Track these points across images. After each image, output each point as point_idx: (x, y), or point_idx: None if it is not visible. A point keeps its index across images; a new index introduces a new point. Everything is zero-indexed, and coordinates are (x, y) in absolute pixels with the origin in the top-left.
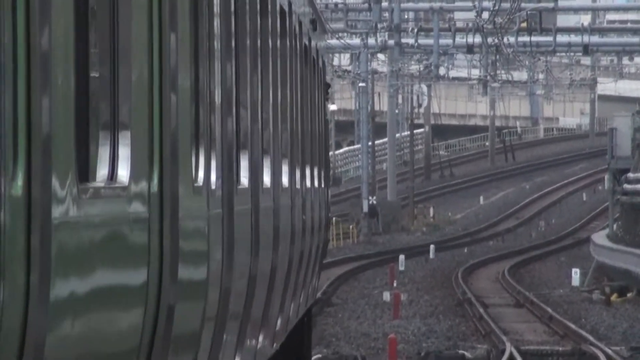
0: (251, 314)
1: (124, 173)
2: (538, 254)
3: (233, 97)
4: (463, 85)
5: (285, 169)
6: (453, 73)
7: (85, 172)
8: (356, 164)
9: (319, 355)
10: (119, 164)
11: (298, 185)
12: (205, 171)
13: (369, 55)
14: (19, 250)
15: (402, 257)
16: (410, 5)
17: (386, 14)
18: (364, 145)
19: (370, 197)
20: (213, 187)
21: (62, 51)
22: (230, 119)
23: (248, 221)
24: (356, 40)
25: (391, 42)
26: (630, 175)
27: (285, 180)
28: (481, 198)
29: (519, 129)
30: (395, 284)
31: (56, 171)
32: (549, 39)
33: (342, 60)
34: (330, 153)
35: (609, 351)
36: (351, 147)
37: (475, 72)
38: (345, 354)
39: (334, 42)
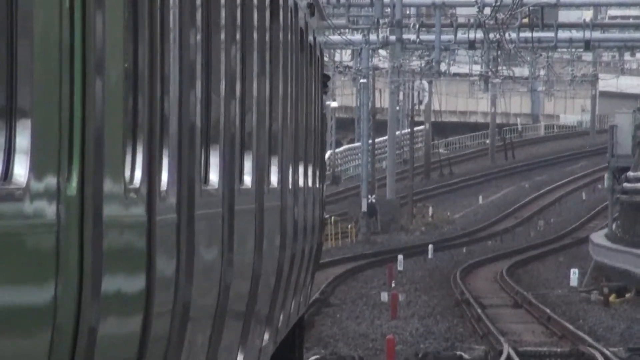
0: (227, 331)
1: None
2: (537, 254)
3: (198, 81)
4: (464, 81)
5: (273, 166)
6: (454, 69)
7: None
8: (356, 162)
9: (317, 356)
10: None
11: (290, 185)
12: (145, 170)
13: (371, 51)
14: None
15: (400, 257)
16: (412, 0)
17: (388, 10)
18: (364, 143)
19: (369, 196)
20: (164, 188)
21: None
22: (193, 107)
23: (218, 226)
24: (357, 36)
25: (392, 37)
26: (630, 174)
27: (273, 179)
28: (480, 197)
29: (519, 127)
30: (393, 284)
31: None
32: (551, 34)
33: (344, 56)
34: (330, 151)
35: (607, 352)
36: (351, 145)
37: (477, 68)
38: (343, 355)
39: (335, 37)
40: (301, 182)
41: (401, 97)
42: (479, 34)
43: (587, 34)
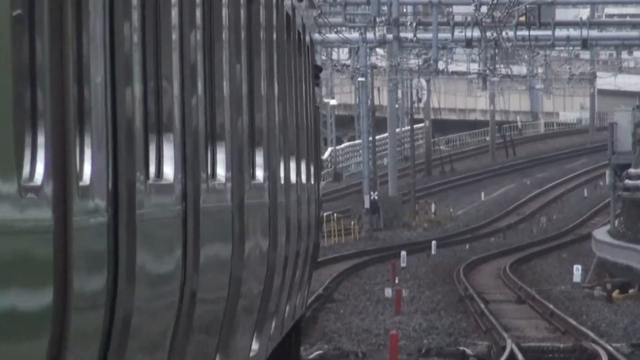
0: (202, 347)
1: None
2: (539, 250)
3: (152, 64)
4: (462, 79)
5: (259, 161)
6: (452, 67)
7: None
8: (357, 159)
9: (320, 352)
10: None
11: (279, 180)
12: (92, 163)
13: (368, 49)
14: None
15: (403, 253)
16: None
17: (385, 8)
18: (365, 140)
19: (371, 193)
20: (98, 183)
21: None
22: (152, 94)
23: (176, 228)
24: (355, 35)
25: (390, 36)
26: (632, 170)
27: (258, 173)
28: (482, 194)
29: (519, 124)
30: (396, 280)
31: None
32: (548, 33)
33: (341, 54)
34: (331, 148)
35: (610, 348)
36: (352, 142)
37: (475, 67)
38: (347, 350)
39: (332, 36)
40: (293, 178)
41: (400, 95)
42: (476, 33)
43: (585, 33)
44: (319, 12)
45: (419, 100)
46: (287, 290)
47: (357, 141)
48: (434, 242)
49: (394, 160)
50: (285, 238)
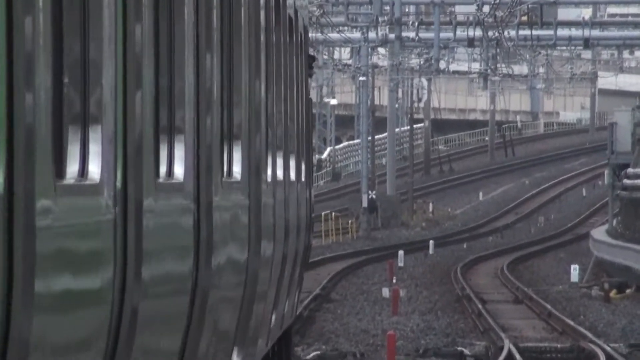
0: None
1: None
2: (537, 250)
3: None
4: (463, 79)
5: (237, 157)
6: (453, 67)
7: None
8: (356, 159)
9: (318, 352)
10: None
11: (264, 178)
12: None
13: (370, 49)
14: None
15: (401, 252)
16: None
17: (387, 8)
18: (364, 140)
19: (370, 192)
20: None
21: None
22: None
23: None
24: (357, 34)
25: (392, 35)
26: (630, 170)
27: (235, 169)
28: (480, 193)
29: (519, 124)
30: (394, 280)
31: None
32: (550, 32)
33: (343, 54)
34: (330, 148)
35: (608, 348)
36: (351, 142)
37: (476, 66)
38: (344, 351)
39: (334, 35)
40: (280, 176)
41: (400, 94)
42: (478, 32)
43: (586, 32)
44: (322, 11)
45: (419, 99)
46: (273, 298)
47: (356, 141)
48: (431, 242)
49: (392, 159)
50: (269, 242)
